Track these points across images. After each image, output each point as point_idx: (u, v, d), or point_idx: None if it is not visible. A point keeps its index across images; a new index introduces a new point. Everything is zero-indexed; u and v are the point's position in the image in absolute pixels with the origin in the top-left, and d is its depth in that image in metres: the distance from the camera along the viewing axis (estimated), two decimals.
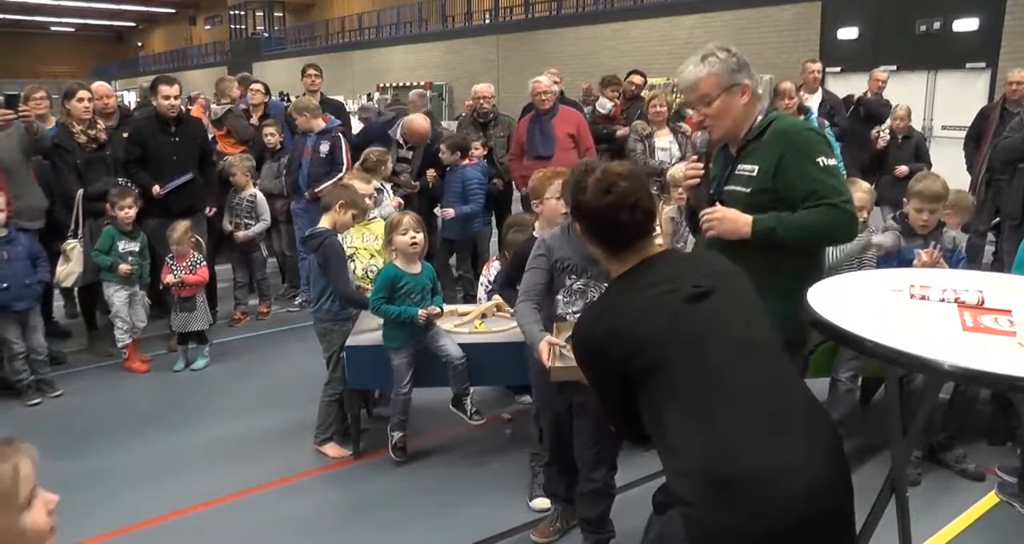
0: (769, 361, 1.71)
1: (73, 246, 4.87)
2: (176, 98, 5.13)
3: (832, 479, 1.57)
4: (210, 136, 6.18)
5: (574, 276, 2.65)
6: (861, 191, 3.61)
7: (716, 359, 1.65)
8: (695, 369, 1.63)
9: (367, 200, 4.28)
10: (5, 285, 4.26)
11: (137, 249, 4.88)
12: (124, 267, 4.77)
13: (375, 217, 4.39)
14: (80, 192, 4.93)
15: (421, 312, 3.39)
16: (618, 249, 1.87)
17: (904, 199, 3.72)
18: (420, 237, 3.46)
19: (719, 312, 1.72)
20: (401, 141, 5.91)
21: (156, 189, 5.00)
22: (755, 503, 1.49)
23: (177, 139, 5.15)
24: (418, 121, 5.83)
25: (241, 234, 5.68)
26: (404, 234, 3.42)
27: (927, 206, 3.46)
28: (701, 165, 2.55)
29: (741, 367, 1.65)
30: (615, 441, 2.79)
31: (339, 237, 3.72)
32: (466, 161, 5.71)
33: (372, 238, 4.29)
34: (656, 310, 1.71)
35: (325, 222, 3.70)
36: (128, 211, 4.81)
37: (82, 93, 5.07)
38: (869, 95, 7.28)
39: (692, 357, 1.64)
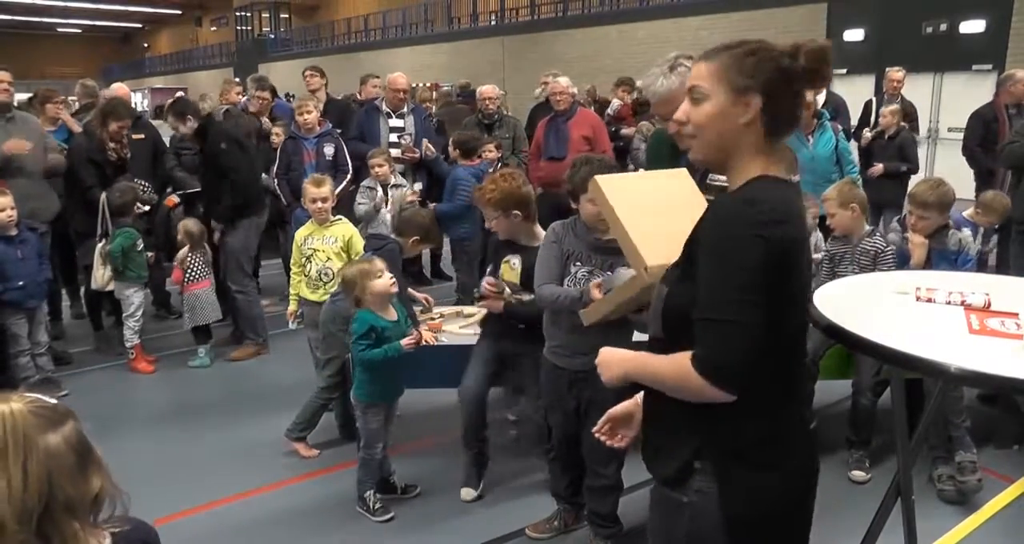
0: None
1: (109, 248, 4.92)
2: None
3: None
4: None
5: (579, 264, 2.72)
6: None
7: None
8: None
9: (325, 204, 4.20)
10: (21, 283, 4.35)
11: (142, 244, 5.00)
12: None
13: (338, 218, 4.30)
14: (104, 195, 4.91)
15: (406, 340, 3.07)
16: (776, 133, 1.45)
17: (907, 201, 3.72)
18: (394, 279, 3.15)
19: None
20: (389, 110, 5.99)
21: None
22: None
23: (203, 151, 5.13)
24: (395, 74, 6.07)
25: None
26: (380, 277, 3.06)
27: (916, 211, 3.47)
28: None
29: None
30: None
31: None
32: (467, 162, 5.65)
33: (332, 240, 4.19)
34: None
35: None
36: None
37: (127, 120, 5.13)
38: (886, 97, 7.21)
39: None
